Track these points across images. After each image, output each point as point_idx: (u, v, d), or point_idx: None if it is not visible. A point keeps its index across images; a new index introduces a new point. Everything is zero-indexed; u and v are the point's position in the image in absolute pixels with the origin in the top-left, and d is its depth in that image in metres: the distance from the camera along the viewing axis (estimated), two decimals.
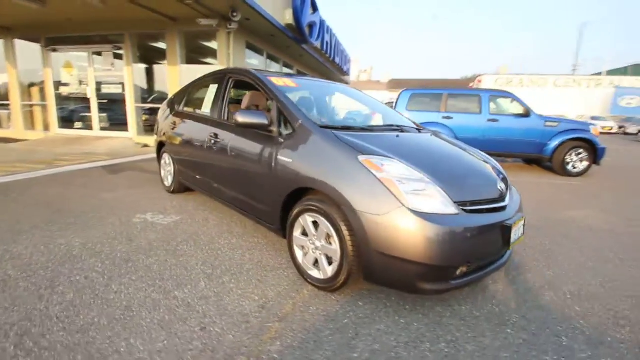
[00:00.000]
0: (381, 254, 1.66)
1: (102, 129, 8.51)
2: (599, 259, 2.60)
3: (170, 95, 5.81)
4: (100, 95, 8.29)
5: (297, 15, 7.83)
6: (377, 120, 2.85)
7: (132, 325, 1.63)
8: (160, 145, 4.04)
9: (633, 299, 2.03)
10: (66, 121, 8.78)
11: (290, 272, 2.22)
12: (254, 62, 8.86)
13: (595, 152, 6.07)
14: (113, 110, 8.46)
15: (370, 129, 2.39)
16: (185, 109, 3.68)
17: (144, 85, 8.32)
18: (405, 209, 1.61)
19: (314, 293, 1.99)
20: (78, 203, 3.48)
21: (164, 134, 3.86)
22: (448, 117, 6.66)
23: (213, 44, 8.15)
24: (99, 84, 8.23)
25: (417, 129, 2.76)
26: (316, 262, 2.03)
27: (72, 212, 3.19)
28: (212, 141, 2.87)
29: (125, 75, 7.89)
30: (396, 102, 7.11)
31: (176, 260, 2.32)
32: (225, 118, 2.95)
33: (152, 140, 7.93)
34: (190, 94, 3.74)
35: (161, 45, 7.84)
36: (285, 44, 9.36)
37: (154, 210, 3.34)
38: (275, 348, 1.53)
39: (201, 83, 3.63)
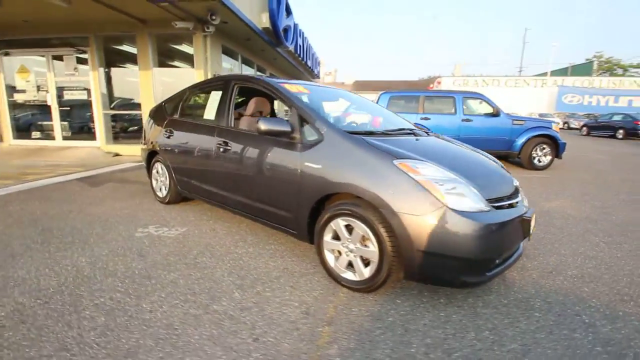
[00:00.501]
0: (424, 252, 1.75)
1: (66, 138, 7.88)
2: (587, 244, 2.90)
3: (153, 102, 5.59)
4: (62, 102, 7.67)
5: (274, 18, 7.80)
6: (387, 125, 2.95)
7: (181, 343, 1.58)
8: (151, 155, 3.86)
9: (627, 277, 2.30)
10: (22, 131, 8.02)
11: (319, 277, 2.24)
12: (227, 65, 8.69)
13: (557, 147, 6.70)
14: (77, 118, 7.87)
15: (388, 133, 2.48)
16: (182, 116, 3.55)
17: (112, 91, 7.84)
18: (447, 209, 1.72)
19: (350, 295, 2.04)
20: (66, 220, 3.24)
21: (155, 143, 3.70)
22: (426, 118, 6.98)
23: (185, 47, 7.89)
24: (60, 90, 7.61)
25: (425, 132, 2.90)
26: (349, 265, 2.08)
27: (62, 230, 2.96)
28: (221, 149, 2.81)
29: (91, 81, 7.38)
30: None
31: (200, 273, 2.26)
32: (232, 125, 2.90)
33: (123, 149, 7.53)
34: (186, 101, 3.61)
35: (130, 48, 7.44)
36: (259, 48, 9.27)
37: (155, 222, 3.19)
38: (334, 351, 1.56)
39: (199, 90, 3.52)
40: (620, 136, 15.58)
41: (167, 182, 3.62)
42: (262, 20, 7.72)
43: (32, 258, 2.41)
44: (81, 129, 7.90)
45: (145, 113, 7.27)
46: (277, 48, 9.22)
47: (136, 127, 7.95)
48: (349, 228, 2.03)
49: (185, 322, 1.73)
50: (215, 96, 3.14)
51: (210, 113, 3.12)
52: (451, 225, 1.70)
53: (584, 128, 18.85)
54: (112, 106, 7.78)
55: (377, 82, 48.49)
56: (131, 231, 2.97)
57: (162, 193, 3.74)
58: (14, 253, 2.49)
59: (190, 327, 1.70)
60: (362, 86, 45.77)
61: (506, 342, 1.63)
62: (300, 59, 11.54)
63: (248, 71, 10.02)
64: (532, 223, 2.07)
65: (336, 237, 2.11)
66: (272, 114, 3.86)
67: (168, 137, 3.50)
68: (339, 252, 2.11)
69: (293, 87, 2.67)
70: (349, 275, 2.08)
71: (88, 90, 7.50)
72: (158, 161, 3.73)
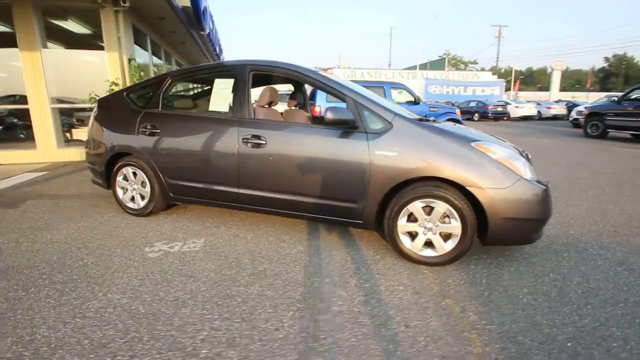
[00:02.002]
0: (509, 219, 2.05)
1: None
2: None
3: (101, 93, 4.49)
4: None
5: None
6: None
7: (345, 349, 1.48)
8: (113, 159, 3.10)
9: (607, 222, 3.15)
10: None
11: (392, 260, 2.33)
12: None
13: None
14: None
15: (428, 119, 2.68)
16: (166, 109, 2.97)
17: None
18: (524, 180, 2.06)
19: (432, 270, 2.21)
20: (26, 253, 2.38)
21: (123, 143, 3.00)
22: None
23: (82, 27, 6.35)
24: None
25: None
26: (426, 243, 2.24)
27: (37, 268, 2.19)
28: (250, 144, 2.53)
29: None
30: (313, 95, 7.45)
31: (281, 281, 2.06)
32: (252, 116, 2.64)
33: (6, 157, 5.64)
34: (167, 90, 3.01)
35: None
36: (170, 29, 8.14)
37: (157, 239, 2.65)
38: (475, 317, 1.72)
39: (187, 77, 2.99)
40: (476, 118, 19.86)
41: (148, 189, 3.01)
42: None
43: (41, 312, 1.74)
44: None
45: (37, 109, 5.62)
46: (192, 30, 8.27)
47: (22, 128, 6.09)
48: (426, 209, 2.19)
49: (335, 329, 1.61)
50: (222, 84, 2.76)
51: (219, 104, 2.74)
52: (527, 193, 2.05)
53: None
54: None
55: None
56: (138, 253, 2.41)
57: (139, 203, 3.09)
58: (7, 311, 1.74)
59: (338, 332, 1.60)
60: None
61: (567, 281, 2.09)
62: (210, 44, 10.60)
63: (157, 55, 8.69)
64: None
65: (411, 219, 2.24)
66: (304, 104, 3.63)
67: (150, 135, 2.89)
68: (416, 233, 2.25)
69: (327, 75, 2.60)
70: (427, 252, 2.24)
71: None
72: (129, 165, 3.04)
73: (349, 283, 2.04)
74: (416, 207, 2.20)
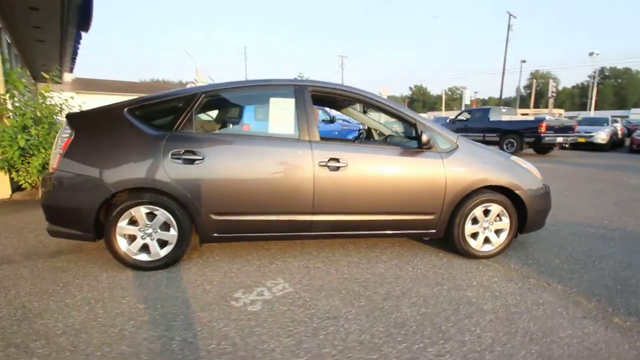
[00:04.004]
0: (536, 211, 2.78)
1: None
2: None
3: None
4: None
5: None
6: None
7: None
8: (107, 201, 2.30)
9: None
10: None
11: (460, 259, 2.72)
12: None
13: None
14: None
15: None
16: (202, 130, 2.42)
17: None
18: (541, 181, 2.83)
19: (494, 261, 2.72)
20: (60, 315, 1.53)
21: (140, 177, 2.28)
22: None
23: None
24: None
25: None
26: (485, 241, 2.75)
27: (92, 341, 1.48)
28: (328, 167, 2.44)
29: None
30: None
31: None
32: (318, 138, 2.55)
33: None
34: (201, 108, 2.44)
35: None
36: (35, 23, 6.09)
37: (229, 290, 2.16)
38: (559, 285, 2.31)
39: (229, 95, 2.50)
40: None
41: (174, 232, 2.38)
42: None
43: None
44: None
45: None
46: (70, 28, 6.41)
47: None
48: (485, 211, 2.70)
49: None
50: (282, 104, 2.52)
51: (281, 125, 2.49)
52: (544, 191, 2.84)
53: None
54: None
55: (101, 80, 40.59)
56: (233, 309, 1.93)
57: (157, 253, 2.39)
58: None
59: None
60: (84, 85, 36.79)
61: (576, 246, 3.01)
62: (77, 45, 8.38)
63: None
64: None
65: (474, 222, 2.70)
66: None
67: (187, 163, 2.31)
68: (476, 233, 2.72)
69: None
70: (486, 247, 2.75)
71: None
72: (143, 204, 2.32)
73: (456, 279, 2.31)
74: (479, 211, 2.68)
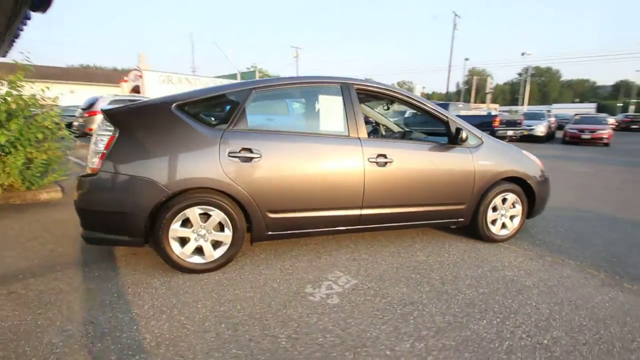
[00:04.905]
0: (541, 198, 3.19)
1: None
2: None
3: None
4: None
5: None
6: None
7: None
8: (164, 202, 2.18)
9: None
10: None
11: (483, 244, 3.04)
12: None
13: None
14: None
15: None
16: (251, 127, 2.36)
17: None
18: (544, 172, 3.24)
19: (510, 244, 3.08)
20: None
21: (197, 176, 2.18)
22: None
23: None
24: None
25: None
26: (502, 226, 3.10)
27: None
28: (376, 163, 2.56)
29: None
30: None
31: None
32: (366, 135, 2.65)
33: None
34: (252, 105, 2.37)
35: None
36: None
37: (296, 287, 2.20)
38: (565, 253, 2.72)
39: (280, 90, 2.45)
40: None
41: (229, 232, 2.33)
42: None
43: None
44: None
45: None
46: (24, 8, 5.54)
47: None
48: (502, 200, 3.04)
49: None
50: (330, 102, 2.56)
51: (331, 122, 2.53)
52: (546, 180, 3.25)
53: None
54: None
55: (31, 66, 35.49)
56: (316, 304, 1.99)
57: (211, 255, 2.33)
58: None
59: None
60: (10, 70, 31.79)
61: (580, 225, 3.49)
62: (22, 29, 7.27)
63: None
64: None
65: (494, 209, 3.03)
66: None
67: (246, 160, 2.27)
68: (496, 219, 3.06)
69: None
70: (502, 232, 3.10)
71: None
72: (198, 204, 2.24)
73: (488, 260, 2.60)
74: (498, 200, 3.00)
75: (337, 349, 1.62)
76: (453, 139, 2.81)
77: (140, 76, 27.30)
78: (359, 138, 2.58)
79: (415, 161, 2.75)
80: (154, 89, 22.80)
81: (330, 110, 2.60)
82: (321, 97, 2.62)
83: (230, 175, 2.25)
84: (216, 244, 2.36)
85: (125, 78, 28.85)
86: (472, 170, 2.87)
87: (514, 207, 3.09)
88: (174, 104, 2.28)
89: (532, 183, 3.08)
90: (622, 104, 55.02)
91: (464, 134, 2.74)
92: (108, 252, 2.63)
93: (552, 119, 15.83)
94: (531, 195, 3.11)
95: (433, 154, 2.81)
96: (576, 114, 16.66)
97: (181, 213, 2.22)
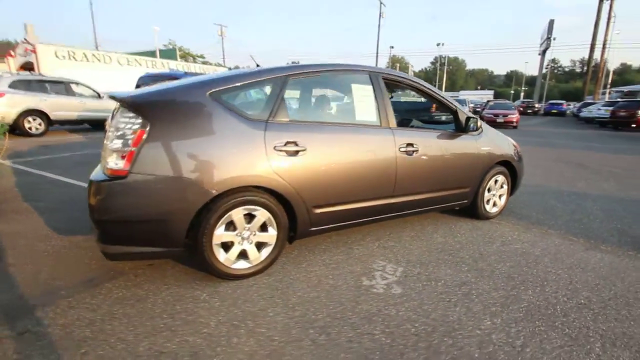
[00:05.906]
0: (519, 177, 3.66)
1: None
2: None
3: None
4: None
5: None
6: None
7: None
8: (206, 205, 1.92)
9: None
10: None
11: (479, 222, 3.38)
12: None
13: None
14: None
15: None
16: (289, 118, 2.17)
17: None
18: (518, 151, 3.71)
19: (501, 220, 3.49)
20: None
21: (243, 174, 1.96)
22: None
23: None
24: None
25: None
26: (493, 205, 3.48)
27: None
28: (406, 152, 2.63)
29: None
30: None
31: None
32: (395, 124, 2.69)
33: None
34: (287, 93, 2.15)
35: None
36: None
37: (355, 279, 2.18)
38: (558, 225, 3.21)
39: (312, 78, 2.25)
40: None
41: (273, 232, 2.19)
42: None
43: None
44: None
45: None
46: None
47: None
48: (494, 181, 3.41)
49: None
50: (362, 92, 2.50)
51: (366, 112, 2.49)
52: (521, 160, 3.72)
53: None
54: None
55: None
56: (380, 298, 2.00)
57: (257, 258, 2.16)
58: None
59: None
60: None
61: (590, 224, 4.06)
62: None
63: None
64: None
65: (488, 190, 3.38)
66: None
67: (292, 155, 2.11)
68: (490, 199, 3.42)
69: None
70: (494, 210, 3.49)
71: None
72: (243, 204, 2.03)
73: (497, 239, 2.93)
74: (492, 182, 3.36)
75: (434, 336, 1.69)
76: (462, 128, 3.02)
77: (33, 51, 22.81)
78: (390, 128, 2.61)
79: (435, 149, 2.89)
80: (52, 66, 19.57)
81: (363, 100, 2.55)
82: (354, 87, 2.54)
83: (277, 171, 2.08)
84: (259, 246, 2.18)
85: (12, 53, 23.81)
86: (478, 155, 3.14)
87: (502, 187, 3.50)
88: (207, 92, 1.98)
89: (515, 164, 3.50)
90: (513, 91, 64.90)
91: (478, 123, 2.97)
92: (110, 268, 2.22)
93: (471, 105, 17.97)
94: (513, 174, 3.55)
95: (447, 142, 2.99)
96: (489, 100, 19.12)
97: (226, 215, 1.99)
